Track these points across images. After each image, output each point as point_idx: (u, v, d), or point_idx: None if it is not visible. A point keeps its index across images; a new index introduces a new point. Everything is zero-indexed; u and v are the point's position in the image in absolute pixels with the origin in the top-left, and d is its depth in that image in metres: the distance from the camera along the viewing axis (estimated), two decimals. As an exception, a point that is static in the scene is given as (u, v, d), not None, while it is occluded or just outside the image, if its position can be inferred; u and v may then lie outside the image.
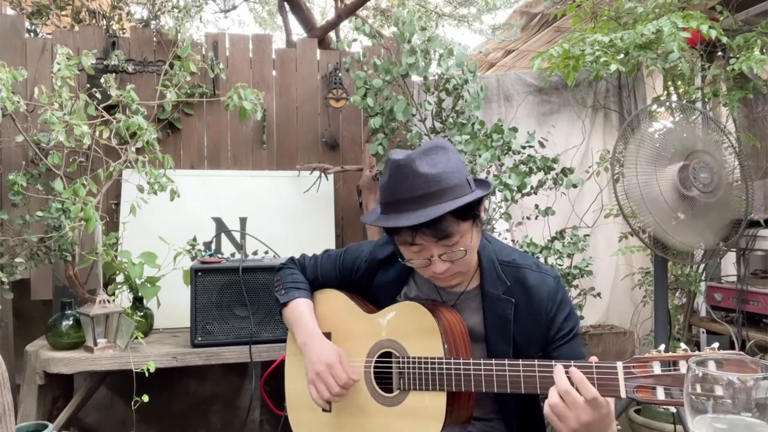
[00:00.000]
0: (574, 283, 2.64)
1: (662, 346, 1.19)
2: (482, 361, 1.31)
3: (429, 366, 1.36)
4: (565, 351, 1.41)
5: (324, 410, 1.55)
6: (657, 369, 1.14)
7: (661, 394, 1.13)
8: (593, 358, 1.21)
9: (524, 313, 1.41)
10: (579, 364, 1.20)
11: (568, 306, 1.45)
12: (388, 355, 1.45)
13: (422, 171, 1.28)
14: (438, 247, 1.33)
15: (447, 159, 1.31)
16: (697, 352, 1.13)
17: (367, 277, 1.58)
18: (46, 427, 1.96)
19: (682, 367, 1.12)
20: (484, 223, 1.41)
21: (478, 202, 1.34)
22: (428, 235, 1.30)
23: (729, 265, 2.98)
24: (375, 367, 1.47)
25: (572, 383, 1.15)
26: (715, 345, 1.14)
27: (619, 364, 1.16)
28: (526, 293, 1.41)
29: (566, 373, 1.17)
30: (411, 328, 1.42)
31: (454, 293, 1.48)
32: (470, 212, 1.33)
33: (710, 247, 2.37)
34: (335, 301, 1.61)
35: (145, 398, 2.03)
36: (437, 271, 1.35)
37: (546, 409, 1.17)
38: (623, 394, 1.15)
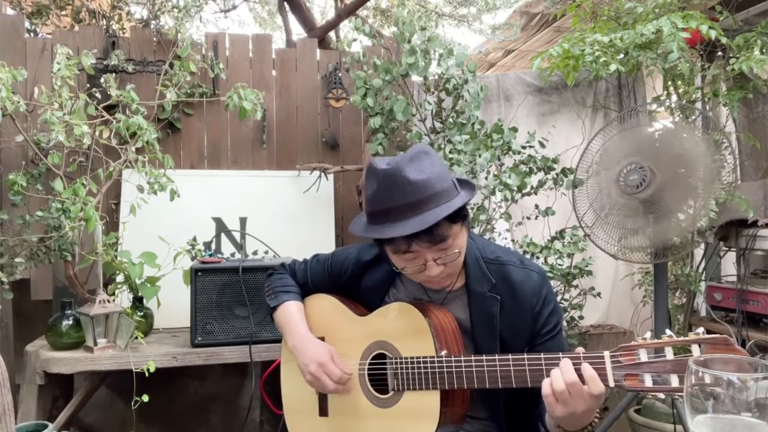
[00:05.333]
0: (574, 282, 2.64)
1: (648, 334, 1.20)
2: (473, 358, 1.32)
3: (422, 365, 1.36)
4: (550, 346, 1.42)
5: (321, 415, 1.55)
6: (644, 356, 1.15)
7: (648, 381, 1.13)
8: (579, 349, 1.22)
9: (510, 310, 1.41)
10: (567, 355, 1.21)
11: (553, 301, 1.45)
12: (381, 356, 1.46)
13: (412, 178, 1.27)
14: (433, 252, 1.33)
15: (432, 164, 1.32)
16: (681, 338, 1.14)
17: (355, 279, 1.59)
18: (46, 427, 1.96)
19: (668, 353, 1.13)
20: (470, 223, 1.41)
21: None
22: (424, 242, 1.30)
23: (729, 265, 2.98)
24: (369, 370, 1.47)
25: (582, 377, 1.17)
26: (700, 330, 1.15)
27: (606, 354, 1.18)
28: (511, 289, 1.42)
29: (576, 366, 1.18)
30: (402, 328, 1.42)
31: (441, 292, 1.48)
32: (461, 214, 1.34)
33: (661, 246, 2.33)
34: (327, 305, 1.61)
35: (145, 398, 2.03)
36: (432, 275, 1.35)
37: (547, 390, 1.18)
38: (611, 383, 1.16)
